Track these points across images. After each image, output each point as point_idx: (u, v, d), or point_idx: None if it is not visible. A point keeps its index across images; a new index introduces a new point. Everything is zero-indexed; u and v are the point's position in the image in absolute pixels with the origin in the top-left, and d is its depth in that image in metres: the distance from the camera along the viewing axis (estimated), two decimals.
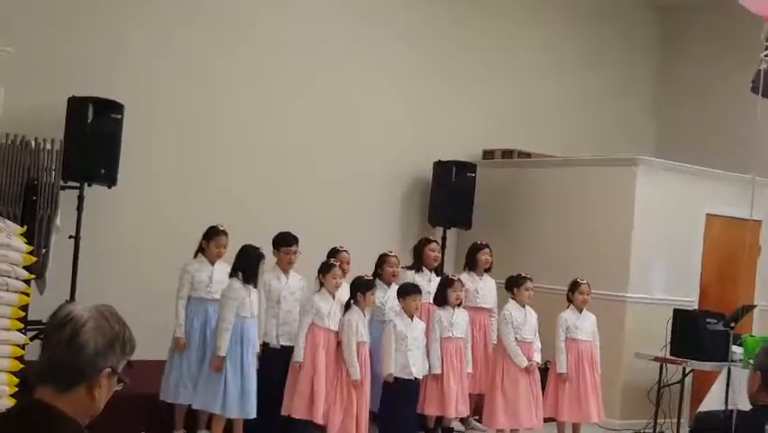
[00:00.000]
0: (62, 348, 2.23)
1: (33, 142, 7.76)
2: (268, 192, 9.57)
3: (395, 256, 8.18)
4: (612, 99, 12.41)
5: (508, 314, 8.17)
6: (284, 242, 7.58)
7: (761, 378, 4.91)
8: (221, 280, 7.15)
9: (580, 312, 8.43)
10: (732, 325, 8.87)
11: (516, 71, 11.63)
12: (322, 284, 7.37)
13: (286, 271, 7.55)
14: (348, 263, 7.80)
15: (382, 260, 8.13)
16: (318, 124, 10.06)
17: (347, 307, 7.40)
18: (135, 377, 6.77)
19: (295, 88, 9.89)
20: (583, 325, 8.39)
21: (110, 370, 2.27)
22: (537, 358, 8.21)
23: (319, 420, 7.13)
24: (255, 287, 7.07)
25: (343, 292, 7.56)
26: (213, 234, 7.30)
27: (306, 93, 9.97)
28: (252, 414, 6.96)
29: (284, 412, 7.21)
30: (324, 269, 7.38)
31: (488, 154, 11.22)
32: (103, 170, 8.00)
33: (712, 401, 8.33)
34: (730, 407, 7.82)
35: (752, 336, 9.04)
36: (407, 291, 7.72)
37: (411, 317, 7.67)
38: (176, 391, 7.07)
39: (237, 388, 6.86)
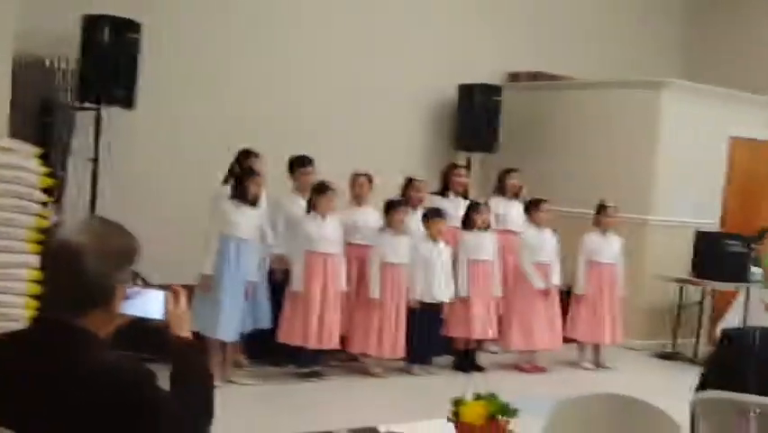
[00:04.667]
0: (65, 279, 2.10)
1: (47, 62, 7.66)
2: (289, 116, 9.39)
3: (422, 180, 8.10)
4: (641, 20, 12.10)
5: (525, 236, 8.18)
6: (299, 163, 7.50)
7: None
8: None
9: (605, 234, 8.39)
10: (752, 246, 8.90)
11: None
12: (315, 207, 7.19)
13: (303, 193, 7.42)
14: (362, 187, 7.69)
15: (408, 183, 8.07)
16: (340, 47, 9.84)
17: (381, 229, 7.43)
18: None
19: (317, 11, 9.66)
20: (606, 247, 8.35)
21: (122, 287, 2.16)
22: (556, 280, 8.21)
23: (312, 346, 7.05)
24: (250, 206, 6.85)
25: (360, 214, 7.62)
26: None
27: (327, 15, 9.74)
28: (227, 337, 6.77)
29: (282, 340, 7.10)
30: (319, 190, 7.20)
31: (513, 77, 11.00)
32: (120, 92, 7.85)
33: (731, 320, 8.47)
34: (748, 324, 7.95)
35: None
36: (430, 215, 7.71)
37: (435, 241, 7.64)
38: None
39: (226, 310, 6.71)
